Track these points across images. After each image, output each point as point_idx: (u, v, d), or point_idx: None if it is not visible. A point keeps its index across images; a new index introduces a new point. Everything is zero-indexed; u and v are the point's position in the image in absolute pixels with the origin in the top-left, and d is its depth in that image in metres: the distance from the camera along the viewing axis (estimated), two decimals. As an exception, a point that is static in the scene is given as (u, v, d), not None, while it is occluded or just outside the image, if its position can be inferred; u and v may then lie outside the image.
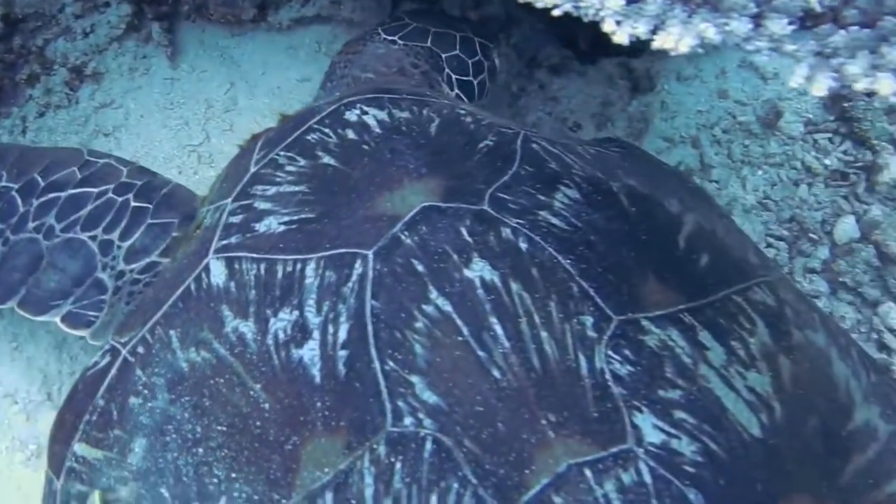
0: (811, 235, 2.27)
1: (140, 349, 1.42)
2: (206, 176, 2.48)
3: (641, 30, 0.80)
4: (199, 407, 1.32)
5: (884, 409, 1.45)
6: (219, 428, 1.29)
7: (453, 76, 2.19)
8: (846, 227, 2.25)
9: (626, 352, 1.29)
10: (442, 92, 2.12)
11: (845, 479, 1.31)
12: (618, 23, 0.81)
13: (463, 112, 1.71)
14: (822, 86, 0.72)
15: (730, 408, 1.28)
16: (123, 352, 1.44)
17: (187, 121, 2.56)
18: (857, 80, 0.70)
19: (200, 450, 1.28)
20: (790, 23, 0.76)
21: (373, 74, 2.13)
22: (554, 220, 1.45)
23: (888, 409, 1.46)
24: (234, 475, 1.24)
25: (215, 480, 1.25)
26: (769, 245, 2.28)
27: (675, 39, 0.78)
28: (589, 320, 1.31)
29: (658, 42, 0.79)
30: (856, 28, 0.76)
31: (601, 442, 1.19)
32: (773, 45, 0.74)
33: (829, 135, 2.37)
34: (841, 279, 2.21)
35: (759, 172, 2.39)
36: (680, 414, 1.24)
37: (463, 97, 2.21)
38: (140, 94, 2.59)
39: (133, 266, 1.73)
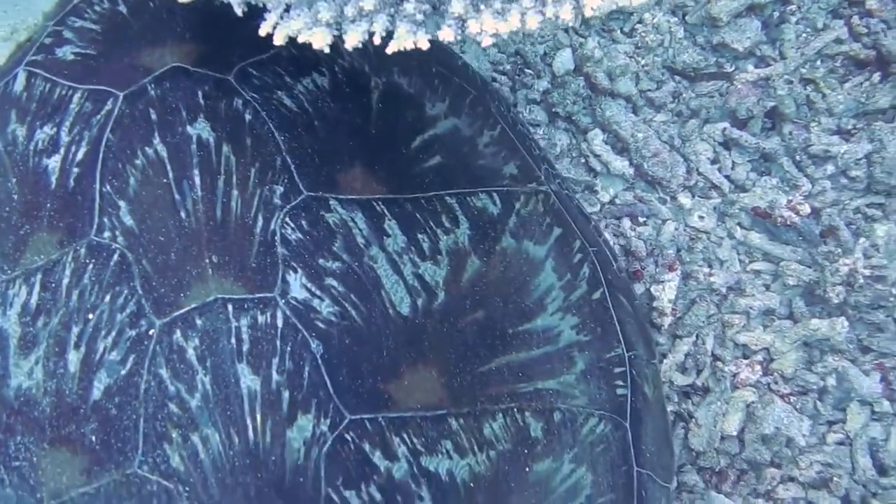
0: (528, 71, 2.43)
1: None
2: None
3: None
4: None
5: (583, 322, 1.72)
6: None
7: None
8: (563, 60, 2.43)
9: (303, 222, 1.53)
10: None
11: (488, 366, 1.57)
12: None
13: None
14: (280, 35, 0.84)
15: (386, 287, 1.53)
16: None
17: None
18: (301, 32, 0.83)
19: None
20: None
21: None
22: (287, 101, 1.66)
23: (590, 324, 1.73)
24: None
25: None
26: (494, 79, 2.44)
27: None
28: (279, 190, 1.55)
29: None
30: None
31: (250, 287, 1.46)
32: None
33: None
34: (554, 109, 2.40)
35: (491, 9, 2.51)
36: (331, 281, 1.49)
37: None
38: None
39: None
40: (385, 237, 1.59)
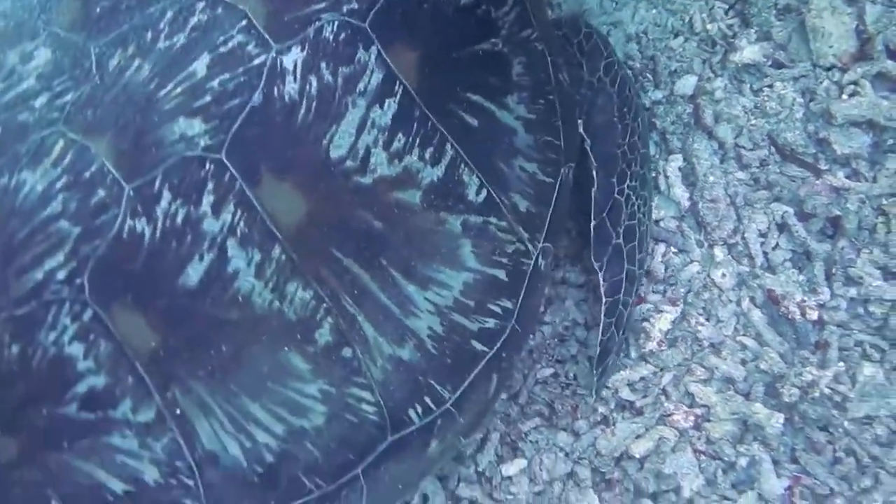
0: (646, 75, 2.58)
1: None
2: None
3: None
4: None
5: (442, 340, 1.81)
6: None
7: None
8: (686, 84, 2.56)
9: (342, 34, 1.73)
10: None
11: (343, 258, 1.70)
12: None
13: None
14: None
15: (340, 125, 1.70)
16: None
17: None
18: None
19: None
20: None
21: None
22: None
23: (446, 351, 1.81)
24: None
25: None
26: (620, 69, 2.61)
27: None
28: (364, 5, 1.75)
29: None
30: None
31: (270, 26, 1.70)
32: None
33: (727, 5, 2.61)
34: (654, 120, 2.55)
35: (653, 11, 2.66)
36: (313, 79, 1.69)
37: None
38: None
39: None
40: (377, 105, 1.73)
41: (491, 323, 1.88)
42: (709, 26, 2.59)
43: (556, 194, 1.99)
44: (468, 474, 2.32)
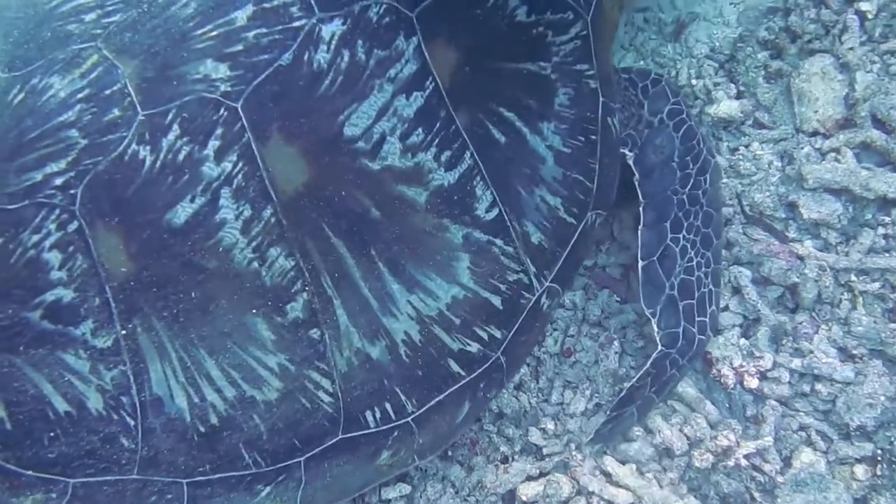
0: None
1: None
2: None
3: None
4: None
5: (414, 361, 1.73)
6: None
7: None
8: (660, 133, 2.44)
9: (385, 20, 1.68)
10: None
11: (337, 243, 1.65)
12: None
13: None
14: None
15: (362, 105, 1.65)
16: None
17: None
18: None
19: None
20: None
21: None
22: None
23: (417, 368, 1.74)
24: None
25: None
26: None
27: None
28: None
29: None
30: None
31: None
32: None
33: (717, 64, 2.51)
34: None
35: (641, 62, 2.59)
36: (345, 50, 1.65)
37: None
38: None
39: None
40: (403, 95, 1.67)
41: (474, 347, 1.77)
42: (694, 81, 2.48)
43: (576, 236, 1.87)
44: (344, 489, 2.12)
